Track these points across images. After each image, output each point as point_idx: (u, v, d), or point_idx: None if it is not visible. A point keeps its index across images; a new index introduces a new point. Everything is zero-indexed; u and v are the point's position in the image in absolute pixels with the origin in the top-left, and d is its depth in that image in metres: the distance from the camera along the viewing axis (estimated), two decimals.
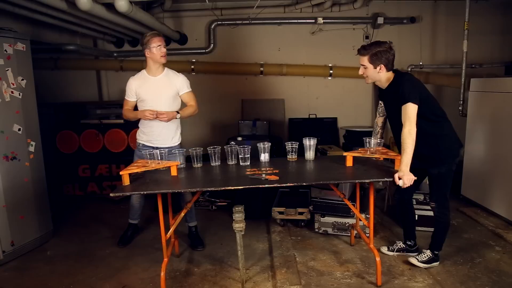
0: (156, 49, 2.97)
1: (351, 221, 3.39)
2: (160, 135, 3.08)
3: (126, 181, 2.47)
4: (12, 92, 3.10)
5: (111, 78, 5.71)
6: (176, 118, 3.08)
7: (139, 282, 2.78)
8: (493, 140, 3.78)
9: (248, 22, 5.30)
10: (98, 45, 5.62)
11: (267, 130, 4.98)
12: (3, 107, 3.03)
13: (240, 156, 2.88)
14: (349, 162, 2.75)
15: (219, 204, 4.32)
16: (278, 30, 5.55)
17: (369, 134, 3.01)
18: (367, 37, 5.38)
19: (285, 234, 3.57)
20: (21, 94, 3.18)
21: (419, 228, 3.23)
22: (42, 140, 3.47)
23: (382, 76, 2.60)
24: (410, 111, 2.43)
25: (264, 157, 2.95)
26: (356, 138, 4.63)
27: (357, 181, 2.58)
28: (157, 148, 2.92)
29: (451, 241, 3.21)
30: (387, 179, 2.46)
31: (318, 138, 3.23)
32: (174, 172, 2.64)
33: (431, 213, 2.99)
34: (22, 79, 3.19)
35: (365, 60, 2.57)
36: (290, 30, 5.53)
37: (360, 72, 2.66)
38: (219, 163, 2.91)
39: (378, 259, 2.60)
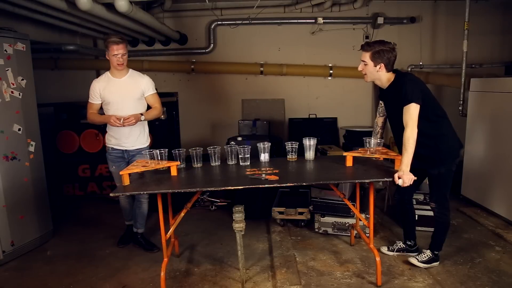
0: (113, 57, 2.92)
1: (351, 221, 3.39)
2: (128, 138, 3.07)
3: (126, 181, 2.47)
4: (12, 92, 3.10)
5: None
6: (141, 120, 3.04)
7: (139, 282, 2.78)
8: (493, 140, 3.78)
9: (248, 22, 5.30)
10: (98, 45, 5.63)
11: (267, 130, 4.99)
12: (3, 107, 3.03)
13: (240, 156, 2.87)
14: (349, 162, 2.75)
15: (219, 204, 4.32)
16: (278, 30, 5.55)
17: (369, 134, 3.01)
18: (367, 37, 5.38)
19: (285, 234, 3.57)
20: (21, 94, 3.18)
21: (419, 228, 3.23)
22: (42, 140, 3.46)
23: (381, 75, 2.60)
24: (413, 111, 2.43)
25: (264, 157, 2.95)
26: (356, 138, 4.63)
27: (357, 181, 2.58)
28: (126, 150, 3.09)
29: (451, 241, 3.21)
30: (387, 179, 2.46)
31: (318, 138, 3.23)
32: (174, 172, 2.64)
33: (431, 213, 2.99)
34: (22, 79, 3.19)
35: (367, 56, 2.57)
36: (290, 30, 5.53)
37: (360, 68, 2.65)
38: (219, 163, 2.91)
39: (378, 259, 2.60)
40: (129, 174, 2.50)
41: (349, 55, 5.46)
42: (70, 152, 4.64)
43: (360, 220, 3.12)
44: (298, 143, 2.98)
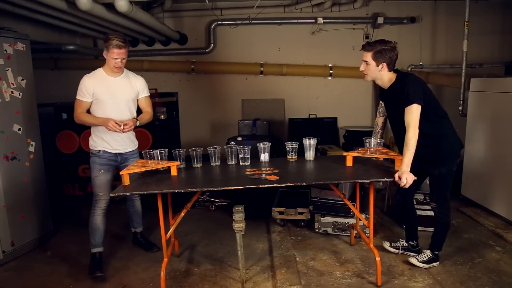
0: (112, 60, 2.73)
1: (351, 221, 3.39)
2: (124, 141, 2.95)
3: (126, 181, 2.47)
4: (12, 92, 3.10)
5: None
6: (136, 126, 2.88)
7: (139, 282, 2.78)
8: (493, 140, 3.78)
9: (248, 22, 5.30)
10: (98, 45, 5.63)
11: (267, 130, 4.99)
12: (3, 107, 3.03)
13: (240, 156, 2.87)
14: (349, 162, 2.75)
15: (219, 204, 4.32)
16: (278, 30, 5.55)
17: (369, 134, 3.01)
18: (367, 37, 5.38)
19: (285, 234, 3.57)
20: (21, 94, 3.18)
21: (419, 228, 3.22)
22: (42, 140, 3.46)
23: (383, 75, 2.59)
24: (415, 112, 2.42)
25: (264, 157, 2.95)
26: (356, 138, 4.63)
27: (357, 181, 2.58)
28: (120, 153, 2.94)
29: (451, 241, 3.21)
30: (387, 179, 2.46)
31: (318, 138, 3.23)
32: (174, 172, 2.64)
33: (431, 213, 2.99)
34: (22, 79, 3.19)
35: (368, 56, 2.56)
36: (290, 30, 5.53)
37: (361, 68, 2.64)
38: (219, 163, 2.91)
39: (378, 259, 2.60)
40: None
41: (349, 55, 5.46)
42: (70, 152, 4.64)
43: (360, 220, 3.12)
44: (298, 143, 2.98)
